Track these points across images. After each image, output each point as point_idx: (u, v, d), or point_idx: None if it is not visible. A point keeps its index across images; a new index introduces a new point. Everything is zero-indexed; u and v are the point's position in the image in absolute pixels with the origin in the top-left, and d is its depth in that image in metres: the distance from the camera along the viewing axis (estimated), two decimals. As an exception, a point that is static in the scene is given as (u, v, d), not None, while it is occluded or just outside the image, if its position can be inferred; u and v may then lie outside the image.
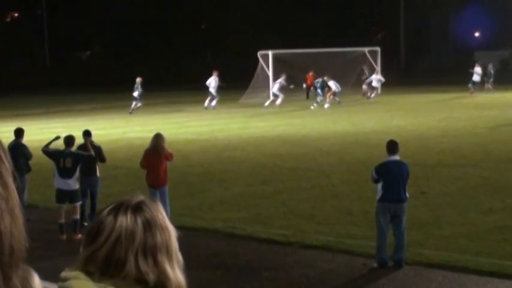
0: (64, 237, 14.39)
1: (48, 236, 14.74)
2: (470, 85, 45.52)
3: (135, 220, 2.22)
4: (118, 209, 2.26)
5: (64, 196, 14.55)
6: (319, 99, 42.07)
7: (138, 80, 41.21)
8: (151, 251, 2.21)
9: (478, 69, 45.88)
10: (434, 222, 14.49)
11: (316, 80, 43.54)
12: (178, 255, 2.30)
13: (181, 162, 21.56)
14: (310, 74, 47.42)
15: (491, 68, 49.07)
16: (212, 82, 43.05)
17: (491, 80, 48.66)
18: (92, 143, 15.96)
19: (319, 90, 42.47)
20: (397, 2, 77.21)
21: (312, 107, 41.09)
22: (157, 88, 58.67)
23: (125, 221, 2.22)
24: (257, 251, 13.17)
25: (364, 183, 16.86)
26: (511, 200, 16.14)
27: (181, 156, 22.71)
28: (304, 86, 48.07)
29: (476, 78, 45.63)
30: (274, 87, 44.04)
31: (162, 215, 2.29)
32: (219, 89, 43.06)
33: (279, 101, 43.25)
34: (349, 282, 11.49)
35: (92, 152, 15.10)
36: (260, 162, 22.37)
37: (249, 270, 12.07)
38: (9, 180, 1.84)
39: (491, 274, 11.23)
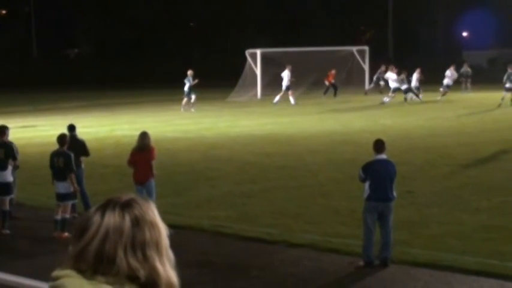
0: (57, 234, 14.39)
1: (35, 234, 14.71)
2: (441, 89, 45.51)
3: (123, 216, 2.22)
4: (106, 206, 2.26)
5: (62, 198, 14.61)
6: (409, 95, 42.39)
7: (190, 72, 39.95)
8: (140, 246, 2.21)
9: (448, 73, 45.85)
10: (421, 221, 14.52)
11: (400, 78, 42.64)
12: (169, 253, 2.29)
13: (168, 160, 21.53)
14: (333, 72, 47.04)
15: (466, 68, 49.35)
16: (285, 77, 42.50)
17: (469, 79, 48.98)
18: (75, 137, 16.03)
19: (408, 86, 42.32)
20: (385, 1, 77.35)
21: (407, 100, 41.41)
22: (145, 86, 58.66)
23: (112, 217, 2.22)
24: (244, 250, 13.16)
25: (351, 182, 16.85)
26: (497, 200, 16.21)
27: (168, 155, 22.69)
28: (327, 83, 47.55)
29: (446, 81, 45.67)
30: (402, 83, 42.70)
31: (153, 213, 2.29)
32: (291, 83, 42.66)
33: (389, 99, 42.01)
34: (335, 281, 11.49)
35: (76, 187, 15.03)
36: (247, 161, 22.35)
37: (236, 269, 12.05)
38: None
39: (478, 273, 11.25)
